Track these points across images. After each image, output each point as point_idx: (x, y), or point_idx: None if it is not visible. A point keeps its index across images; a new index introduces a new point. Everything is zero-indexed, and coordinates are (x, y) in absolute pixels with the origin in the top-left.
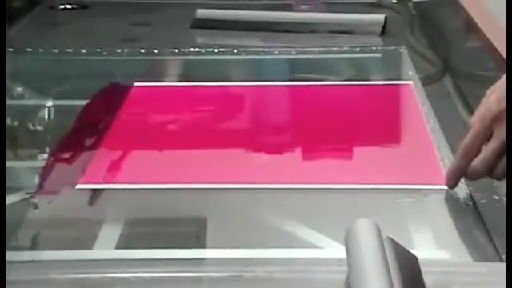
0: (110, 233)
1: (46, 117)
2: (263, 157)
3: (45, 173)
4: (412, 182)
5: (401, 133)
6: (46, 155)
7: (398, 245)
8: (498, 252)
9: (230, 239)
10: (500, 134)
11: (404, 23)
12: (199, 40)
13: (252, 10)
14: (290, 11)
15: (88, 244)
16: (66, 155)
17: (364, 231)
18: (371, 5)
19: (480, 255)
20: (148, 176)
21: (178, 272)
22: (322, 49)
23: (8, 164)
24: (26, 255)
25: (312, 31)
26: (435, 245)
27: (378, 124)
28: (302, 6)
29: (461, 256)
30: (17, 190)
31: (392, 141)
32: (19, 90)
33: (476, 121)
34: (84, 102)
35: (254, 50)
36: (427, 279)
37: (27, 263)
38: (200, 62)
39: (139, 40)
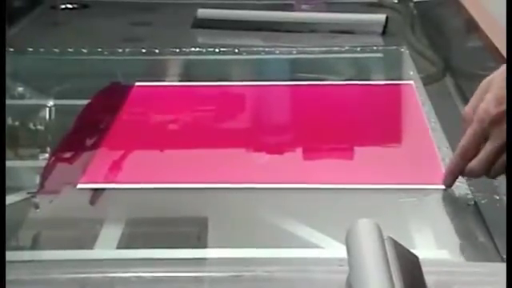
0: (110, 232)
1: (47, 116)
2: (264, 157)
3: (46, 172)
4: (413, 182)
5: (402, 133)
6: (47, 155)
7: (399, 245)
8: (498, 252)
9: (230, 239)
10: (498, 135)
11: (405, 23)
12: (200, 40)
13: (253, 10)
14: (291, 11)
15: (89, 244)
16: (67, 155)
17: (365, 231)
18: (372, 4)
19: (481, 255)
20: (149, 176)
21: (179, 272)
22: (323, 48)
23: (9, 164)
24: (27, 255)
25: (313, 31)
26: (436, 245)
27: (379, 124)
28: (303, 6)
29: (462, 256)
30: (18, 189)
31: (393, 141)
32: (20, 89)
33: (474, 120)
34: (85, 102)
35: (255, 49)
36: (428, 279)
37: (28, 263)
38: (201, 62)
39: (140, 40)
